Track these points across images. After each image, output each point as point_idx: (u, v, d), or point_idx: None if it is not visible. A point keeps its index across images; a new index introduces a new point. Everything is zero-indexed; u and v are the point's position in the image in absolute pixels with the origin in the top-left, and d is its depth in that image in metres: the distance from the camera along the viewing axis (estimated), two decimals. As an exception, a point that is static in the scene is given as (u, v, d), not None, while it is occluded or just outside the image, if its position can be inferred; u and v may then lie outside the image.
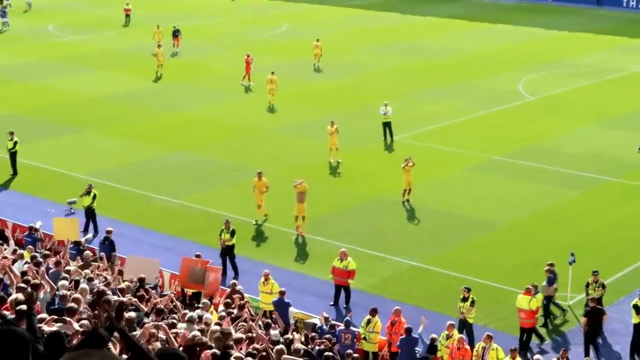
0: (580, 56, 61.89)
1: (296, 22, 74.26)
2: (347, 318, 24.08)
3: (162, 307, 20.31)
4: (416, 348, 23.16)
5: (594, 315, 24.80)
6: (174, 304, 21.80)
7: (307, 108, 48.41)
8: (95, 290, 19.24)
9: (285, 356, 17.74)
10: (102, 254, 26.97)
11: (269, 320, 22.20)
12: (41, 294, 18.34)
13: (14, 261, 22.51)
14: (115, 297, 19.23)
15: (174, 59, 58.95)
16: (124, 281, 23.97)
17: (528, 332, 24.97)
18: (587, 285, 26.05)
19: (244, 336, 18.65)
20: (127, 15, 72.52)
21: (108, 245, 28.32)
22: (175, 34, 61.94)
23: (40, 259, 22.93)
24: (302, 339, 21.50)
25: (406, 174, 34.75)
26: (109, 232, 28.87)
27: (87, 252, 26.38)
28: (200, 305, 22.29)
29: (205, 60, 59.60)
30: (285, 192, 34.84)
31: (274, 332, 21.41)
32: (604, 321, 25.33)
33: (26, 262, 22.55)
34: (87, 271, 23.04)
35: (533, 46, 65.47)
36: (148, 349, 6.40)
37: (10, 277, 19.55)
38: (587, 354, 24.66)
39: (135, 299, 19.96)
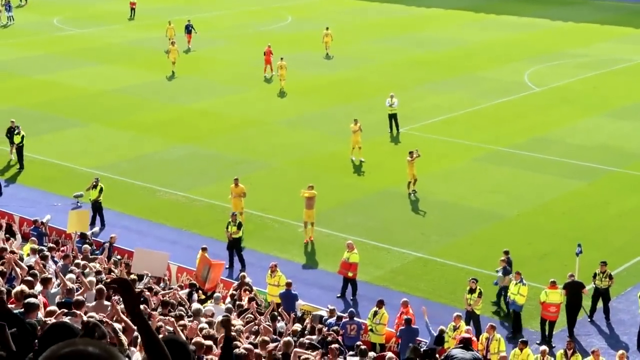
0: (586, 47, 61.76)
1: (301, 15, 74.19)
2: (352, 309, 24.12)
3: (169, 300, 20.36)
4: (422, 339, 23.17)
5: (572, 287, 25.00)
6: (179, 298, 21.83)
7: (311, 100, 48.39)
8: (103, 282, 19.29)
9: (293, 348, 17.78)
10: (106, 244, 27.14)
11: (275, 313, 22.25)
12: (51, 289, 18.38)
13: (22, 256, 22.53)
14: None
15: (185, 55, 58.71)
16: (130, 274, 24.02)
17: (552, 325, 25.06)
18: (595, 275, 26.04)
19: (242, 325, 18.64)
20: (133, 9, 72.47)
21: (108, 248, 27.94)
22: (188, 29, 60.80)
23: (47, 253, 23.02)
24: (309, 331, 21.55)
25: (410, 167, 34.74)
26: (112, 238, 28.36)
27: (86, 246, 26.25)
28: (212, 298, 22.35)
29: (209, 53, 59.54)
30: (290, 184, 34.87)
31: (280, 324, 21.48)
32: (584, 294, 25.56)
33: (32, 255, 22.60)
34: (95, 264, 23.08)
35: (539, 37, 65.36)
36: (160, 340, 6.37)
37: (16, 272, 19.58)
38: (570, 333, 25.00)
39: (145, 290, 20.01)
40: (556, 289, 24.90)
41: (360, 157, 38.68)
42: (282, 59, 50.57)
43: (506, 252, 26.91)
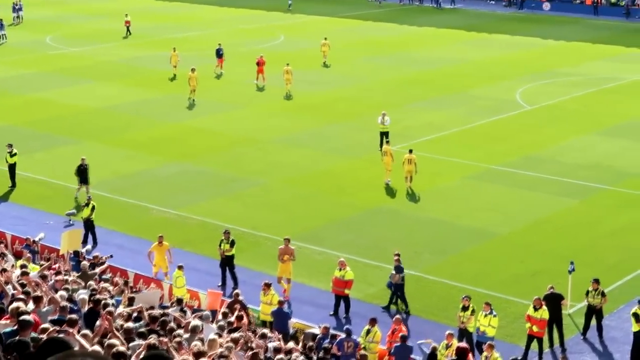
0: (578, 65, 62.06)
1: (293, 33, 74.40)
2: (348, 327, 24.09)
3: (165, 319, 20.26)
4: (415, 356, 23.15)
5: (552, 300, 25.06)
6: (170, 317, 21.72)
7: (304, 118, 48.49)
8: (93, 299, 19.25)
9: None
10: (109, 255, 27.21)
11: (265, 331, 22.21)
12: (43, 308, 18.32)
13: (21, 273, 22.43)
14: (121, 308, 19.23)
15: (217, 80, 58.80)
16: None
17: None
18: (587, 293, 26.08)
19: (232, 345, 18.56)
20: (127, 27, 72.39)
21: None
22: (219, 52, 59.16)
23: (46, 272, 22.92)
24: (301, 349, 21.52)
25: (408, 165, 36.13)
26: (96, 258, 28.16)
27: (84, 262, 26.26)
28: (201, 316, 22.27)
29: (202, 71, 59.51)
30: (283, 202, 34.93)
31: (273, 343, 21.42)
32: (563, 306, 25.82)
33: (23, 273, 22.50)
34: (91, 282, 23.03)
35: (530, 56, 65.65)
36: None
37: (5, 290, 19.48)
38: (551, 344, 25.28)
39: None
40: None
41: (388, 179, 37.77)
42: (287, 64, 53.24)
43: (397, 255, 27.64)
